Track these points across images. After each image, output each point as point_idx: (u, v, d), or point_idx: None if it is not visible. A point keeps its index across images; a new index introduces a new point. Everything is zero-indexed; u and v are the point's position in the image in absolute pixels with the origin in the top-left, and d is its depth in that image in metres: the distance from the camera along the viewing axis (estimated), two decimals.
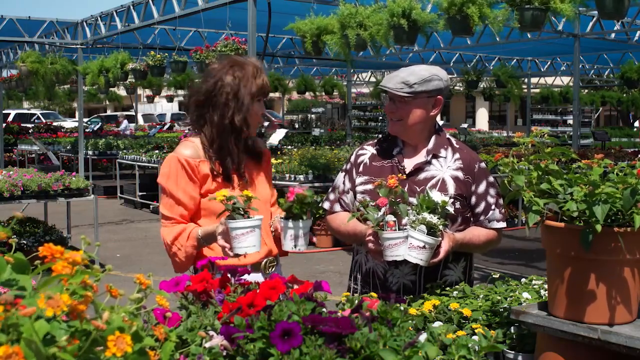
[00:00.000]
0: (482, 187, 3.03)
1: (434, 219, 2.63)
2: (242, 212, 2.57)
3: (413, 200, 2.83)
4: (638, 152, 15.52)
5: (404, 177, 2.88)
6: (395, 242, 2.64)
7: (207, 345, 1.41)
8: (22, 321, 1.00)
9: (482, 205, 3.02)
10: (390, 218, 2.65)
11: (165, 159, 3.05)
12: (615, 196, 1.89)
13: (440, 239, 2.67)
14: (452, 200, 2.89)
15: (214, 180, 2.95)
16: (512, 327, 2.29)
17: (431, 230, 2.63)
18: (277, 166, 11.45)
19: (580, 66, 16.89)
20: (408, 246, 2.63)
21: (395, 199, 2.67)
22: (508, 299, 2.50)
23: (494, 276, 2.92)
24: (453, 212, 2.83)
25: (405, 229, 2.65)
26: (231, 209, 2.56)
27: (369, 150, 3.16)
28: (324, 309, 1.48)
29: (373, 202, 2.73)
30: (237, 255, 2.62)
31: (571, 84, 21.17)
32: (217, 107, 2.94)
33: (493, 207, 3.03)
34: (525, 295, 2.52)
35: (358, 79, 27.59)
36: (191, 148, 2.97)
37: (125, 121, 27.33)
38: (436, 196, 2.73)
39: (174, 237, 2.90)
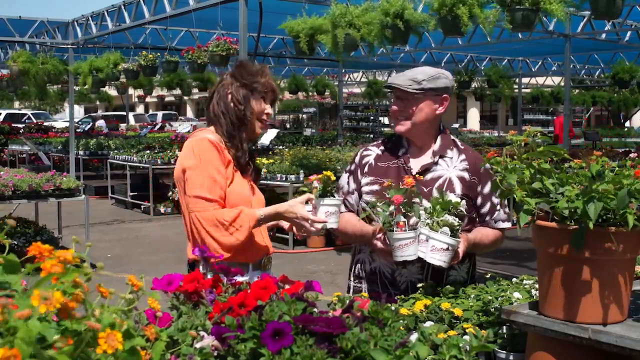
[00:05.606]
0: (487, 188, 3.04)
1: (455, 220, 2.64)
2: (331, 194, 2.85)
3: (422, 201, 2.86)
4: (629, 152, 15.58)
5: (422, 177, 2.89)
6: (406, 242, 2.65)
7: (198, 345, 1.41)
8: (18, 324, 0.99)
9: (488, 205, 3.05)
10: (400, 218, 2.66)
11: (188, 143, 2.97)
12: (609, 195, 1.90)
13: (460, 239, 2.69)
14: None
15: (233, 169, 2.95)
16: (503, 327, 2.29)
17: (452, 231, 2.64)
18: (269, 166, 11.42)
19: (571, 66, 16.93)
20: (430, 249, 2.64)
21: (409, 199, 2.68)
22: (499, 298, 2.51)
23: (485, 276, 2.93)
24: (465, 212, 2.85)
25: (415, 229, 2.66)
26: (325, 192, 2.83)
27: (373, 151, 3.17)
28: (315, 309, 1.48)
29: (381, 202, 2.74)
30: (318, 231, 2.86)
31: (562, 84, 21.24)
32: (224, 105, 2.99)
33: (498, 207, 3.06)
34: (516, 295, 2.53)
35: (349, 79, 27.61)
36: (213, 133, 2.98)
37: (101, 121, 27.71)
38: (450, 197, 2.75)
39: (232, 218, 2.80)
